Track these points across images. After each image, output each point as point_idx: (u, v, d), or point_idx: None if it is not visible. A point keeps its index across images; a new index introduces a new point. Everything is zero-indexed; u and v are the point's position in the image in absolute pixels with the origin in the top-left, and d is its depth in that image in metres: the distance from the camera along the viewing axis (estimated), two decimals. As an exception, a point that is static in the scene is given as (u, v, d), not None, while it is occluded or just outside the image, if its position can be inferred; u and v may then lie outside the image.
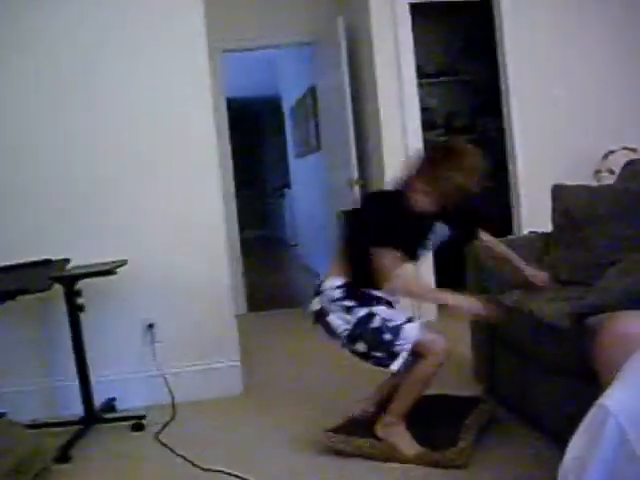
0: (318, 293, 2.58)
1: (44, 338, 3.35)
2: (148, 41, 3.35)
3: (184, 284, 3.40)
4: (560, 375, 2.36)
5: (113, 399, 3.31)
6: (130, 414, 3.13)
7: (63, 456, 2.73)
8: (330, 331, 2.55)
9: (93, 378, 3.13)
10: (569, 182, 3.10)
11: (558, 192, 3.06)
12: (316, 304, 2.58)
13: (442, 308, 4.67)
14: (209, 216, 3.43)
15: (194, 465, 2.56)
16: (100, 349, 3.27)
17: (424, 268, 4.63)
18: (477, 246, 3.03)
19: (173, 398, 3.29)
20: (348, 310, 2.49)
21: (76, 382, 3.08)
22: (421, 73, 5.07)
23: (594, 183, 4.08)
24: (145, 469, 2.63)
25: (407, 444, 2.43)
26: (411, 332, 2.41)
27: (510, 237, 3.73)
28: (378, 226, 2.48)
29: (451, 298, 2.54)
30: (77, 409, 3.09)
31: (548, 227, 3.07)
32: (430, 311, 4.65)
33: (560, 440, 1.33)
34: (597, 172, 4.44)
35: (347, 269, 2.55)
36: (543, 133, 4.57)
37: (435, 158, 2.52)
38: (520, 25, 4.53)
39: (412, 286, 2.59)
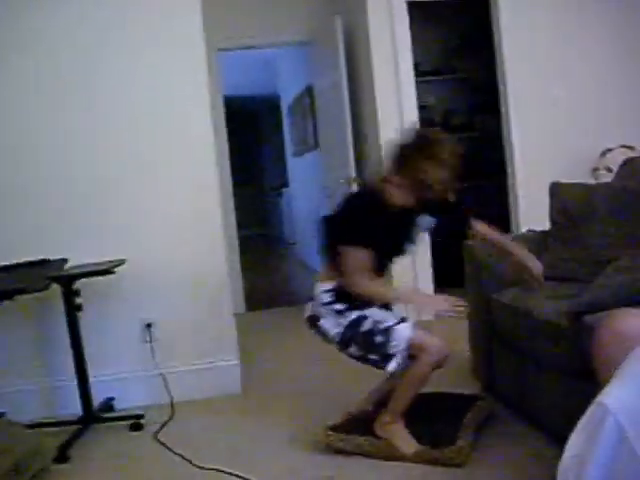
0: (311, 298, 2.59)
1: (42, 338, 3.34)
2: (148, 41, 3.35)
3: (182, 283, 3.40)
4: (558, 373, 2.37)
5: (112, 399, 3.31)
6: (129, 414, 3.13)
7: (62, 456, 2.73)
8: (323, 336, 2.55)
9: (91, 378, 3.13)
10: (567, 180, 3.11)
11: (556, 190, 3.06)
12: (309, 310, 2.59)
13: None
14: (207, 215, 3.43)
15: (193, 464, 2.56)
16: (98, 349, 3.27)
17: (423, 267, 4.65)
18: (475, 244, 3.04)
19: (171, 397, 3.29)
20: (339, 313, 2.49)
21: (74, 382, 3.08)
22: (418, 71, 5.07)
23: (592, 181, 4.08)
24: (144, 468, 2.63)
25: (405, 442, 2.43)
26: (403, 333, 2.40)
27: (508, 235, 3.74)
28: (347, 225, 2.49)
29: (415, 297, 2.52)
30: (76, 409, 3.09)
31: (546, 225, 3.08)
32: (429, 311, 4.65)
33: (559, 438, 1.33)
34: (595, 170, 4.44)
35: (335, 272, 2.53)
36: (541, 131, 4.57)
37: (407, 150, 2.47)
38: (518, 24, 4.54)
39: (372, 285, 2.49)
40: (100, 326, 3.31)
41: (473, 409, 2.61)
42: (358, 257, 2.40)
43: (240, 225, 5.92)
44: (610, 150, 4.39)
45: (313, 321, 2.56)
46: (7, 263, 3.00)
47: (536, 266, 2.62)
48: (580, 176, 3.76)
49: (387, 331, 2.41)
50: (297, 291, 6.55)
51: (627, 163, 3.13)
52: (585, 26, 4.61)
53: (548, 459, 2.06)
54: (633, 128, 4.50)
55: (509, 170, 4.68)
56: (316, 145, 6.39)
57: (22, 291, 2.76)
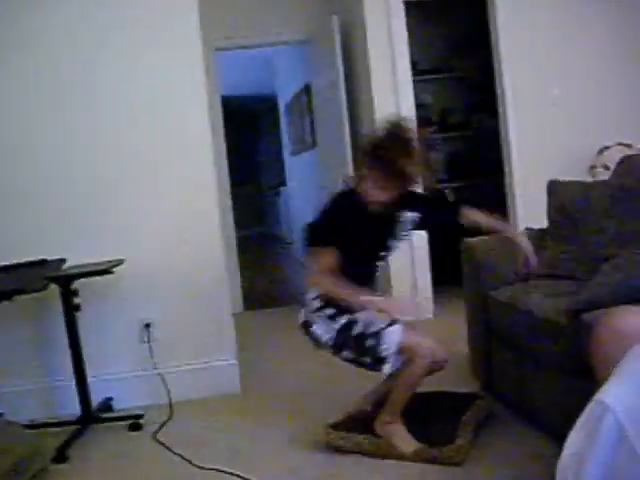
0: (303, 304, 2.59)
1: (41, 338, 3.34)
2: (148, 41, 3.34)
3: (180, 283, 3.40)
4: (557, 371, 2.37)
5: (110, 399, 3.30)
6: (127, 414, 3.13)
7: (61, 456, 2.73)
8: (316, 341, 2.54)
9: (90, 378, 3.13)
10: (564, 178, 3.11)
11: (553, 188, 3.06)
12: (302, 316, 2.59)
13: (438, 307, 4.69)
14: (205, 215, 3.43)
15: (192, 464, 2.56)
16: (97, 349, 3.27)
17: (421, 266, 4.65)
18: (475, 242, 3.04)
19: (170, 397, 3.29)
20: (331, 318, 2.49)
21: (73, 382, 3.08)
22: (416, 70, 5.07)
23: (589, 179, 4.08)
24: (143, 468, 2.63)
25: (404, 441, 2.43)
26: (393, 336, 2.39)
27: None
28: (316, 227, 2.51)
29: (366, 301, 2.49)
30: (74, 409, 3.08)
31: (544, 223, 3.08)
32: (427, 310, 4.66)
33: (558, 436, 1.33)
34: (592, 168, 4.44)
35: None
36: (538, 129, 4.57)
37: (378, 143, 2.45)
38: (515, 23, 4.53)
39: (329, 285, 2.46)
40: (99, 326, 3.31)
41: (472, 408, 2.61)
42: (321, 257, 2.42)
43: (238, 224, 5.92)
44: (607, 148, 4.39)
45: (306, 327, 2.56)
46: (6, 263, 3.00)
47: (525, 244, 2.62)
48: (578, 174, 3.76)
49: (377, 334, 2.40)
50: (295, 290, 6.54)
51: (624, 161, 3.13)
52: (583, 25, 4.61)
53: (547, 457, 2.06)
54: (631, 126, 4.50)
55: (506, 169, 4.68)
56: (314, 144, 6.39)
57: (20, 291, 2.76)
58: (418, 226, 2.64)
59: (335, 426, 2.57)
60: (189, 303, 3.41)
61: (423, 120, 5.46)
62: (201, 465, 2.53)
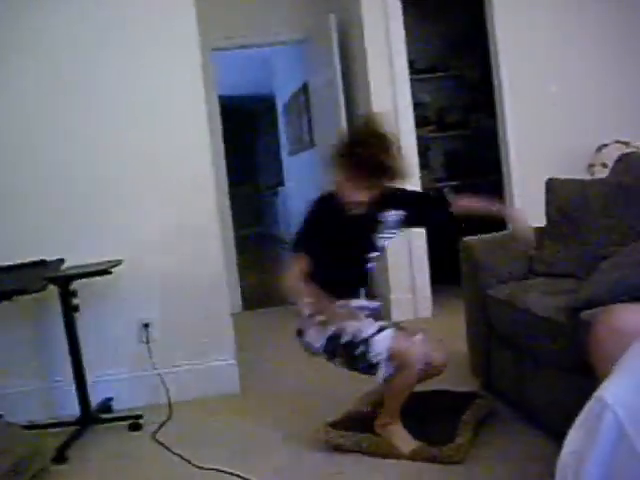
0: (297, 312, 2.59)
1: (40, 339, 3.34)
2: (148, 41, 3.35)
3: (179, 283, 3.40)
4: (556, 369, 2.37)
5: (110, 399, 3.30)
6: (127, 414, 3.13)
7: (60, 456, 2.73)
8: (309, 348, 2.55)
9: (89, 378, 3.13)
10: (562, 176, 3.11)
11: (552, 186, 3.07)
12: (296, 323, 2.59)
13: (437, 306, 4.69)
14: (203, 215, 3.43)
15: (191, 464, 2.56)
16: (96, 349, 3.27)
17: (419, 265, 4.65)
18: (471, 241, 3.04)
19: (169, 397, 3.29)
20: (321, 326, 2.48)
21: (72, 382, 3.08)
22: (413, 69, 5.07)
23: (587, 177, 4.08)
24: (142, 469, 2.63)
25: (403, 441, 2.43)
26: (382, 343, 2.38)
27: (504, 232, 3.74)
28: (298, 233, 2.53)
29: (300, 302, 2.50)
30: (74, 409, 3.09)
31: (542, 221, 3.08)
32: (426, 309, 4.66)
33: (558, 434, 1.33)
34: (590, 166, 4.45)
35: (318, 283, 2.53)
36: (536, 128, 4.57)
37: (350, 142, 2.45)
38: (513, 21, 4.53)
39: (288, 279, 2.48)
40: (98, 327, 3.31)
41: (472, 407, 2.61)
42: (294, 263, 2.43)
43: (236, 224, 5.91)
44: (605, 146, 4.39)
45: (300, 334, 2.57)
46: (4, 264, 3.00)
47: (520, 221, 2.60)
48: (576, 172, 3.75)
49: (366, 342, 2.39)
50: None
51: (622, 159, 3.13)
52: (581, 24, 4.61)
53: (547, 456, 2.05)
54: (629, 124, 4.51)
55: (504, 167, 4.68)
56: (311, 144, 6.39)
57: (19, 292, 2.76)
58: (406, 224, 2.61)
59: (334, 424, 2.57)
60: (188, 303, 3.41)
61: (421, 119, 5.46)
62: (201, 465, 2.53)
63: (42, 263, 3.07)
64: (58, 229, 3.30)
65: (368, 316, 2.54)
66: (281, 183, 10.36)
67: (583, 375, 1.77)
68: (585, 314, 2.11)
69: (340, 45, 4.92)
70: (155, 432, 2.96)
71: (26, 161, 3.32)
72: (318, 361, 2.51)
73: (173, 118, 3.38)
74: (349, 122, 4.94)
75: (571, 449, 1.09)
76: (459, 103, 6.08)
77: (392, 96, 4.56)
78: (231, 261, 5.47)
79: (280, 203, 10.96)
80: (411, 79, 4.66)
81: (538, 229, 3.10)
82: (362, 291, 2.64)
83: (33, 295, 2.90)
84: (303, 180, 7.60)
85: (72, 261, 3.15)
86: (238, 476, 2.40)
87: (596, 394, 1.09)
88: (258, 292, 6.54)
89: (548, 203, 3.05)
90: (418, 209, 2.64)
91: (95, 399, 3.18)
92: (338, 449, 2.52)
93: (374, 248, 2.57)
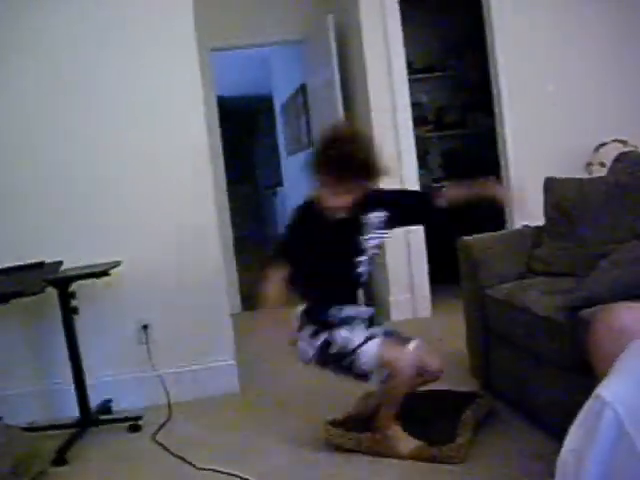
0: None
1: (39, 341, 3.34)
2: (148, 41, 3.35)
3: (178, 284, 3.39)
4: (555, 368, 2.37)
5: (109, 400, 3.30)
6: (126, 415, 3.13)
7: (60, 458, 2.73)
8: (302, 357, 2.54)
9: (89, 380, 3.12)
10: (561, 175, 3.11)
11: (550, 185, 3.07)
12: (289, 333, 2.60)
13: (436, 305, 4.69)
14: (202, 216, 3.43)
15: (192, 465, 2.56)
16: (95, 351, 3.27)
17: (418, 265, 4.65)
18: (470, 241, 3.04)
19: (169, 398, 3.29)
20: (312, 336, 2.49)
21: (72, 384, 3.07)
22: (411, 69, 5.07)
23: (586, 176, 4.08)
24: (142, 470, 2.63)
25: (403, 442, 2.43)
26: (369, 352, 2.37)
27: (503, 231, 3.75)
28: (280, 243, 2.56)
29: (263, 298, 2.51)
30: (73, 411, 3.08)
31: (541, 220, 3.08)
32: (425, 309, 4.66)
33: (557, 433, 1.33)
34: (588, 165, 4.45)
35: (302, 295, 2.56)
36: (534, 127, 4.57)
37: (323, 149, 2.44)
38: (510, 21, 4.53)
39: (266, 295, 2.52)
40: (97, 328, 3.30)
41: (472, 407, 2.61)
42: (273, 270, 2.45)
43: (235, 224, 5.91)
44: (603, 145, 4.40)
45: (294, 343, 2.57)
46: (3, 266, 2.99)
47: (510, 194, 2.59)
48: (574, 171, 3.76)
49: (354, 352, 2.39)
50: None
51: (620, 157, 3.13)
52: (579, 24, 4.61)
53: (547, 455, 2.06)
54: (627, 123, 4.51)
55: (503, 167, 4.68)
56: (310, 144, 6.38)
57: (18, 294, 2.76)
58: (391, 224, 2.56)
59: (335, 424, 2.58)
60: (187, 304, 3.41)
61: (419, 119, 5.47)
62: (200, 466, 2.53)
63: (40, 265, 3.06)
64: (58, 229, 3.30)
65: (363, 322, 2.53)
66: (280, 183, 10.34)
67: (582, 374, 1.77)
68: (584, 313, 2.11)
69: (338, 46, 4.92)
70: (155, 433, 2.95)
71: (26, 161, 3.32)
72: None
73: (173, 118, 3.38)
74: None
75: (571, 447, 1.09)
76: (457, 103, 6.08)
77: (390, 96, 4.57)
78: (230, 261, 5.47)
79: (279, 203, 10.96)
80: (409, 79, 4.66)
81: (537, 228, 3.11)
82: (358, 296, 2.63)
83: (32, 297, 2.90)
84: (302, 180, 7.59)
85: (72, 261, 3.14)
86: (238, 477, 2.40)
87: (595, 392, 1.09)
88: (257, 292, 6.52)
89: (546, 202, 3.05)
90: (402, 208, 2.60)
91: (94, 401, 3.17)
92: (338, 449, 2.53)
93: (361, 252, 2.51)
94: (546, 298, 2.48)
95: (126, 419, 3.08)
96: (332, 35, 4.88)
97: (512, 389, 2.79)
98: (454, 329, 3.38)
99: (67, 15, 3.29)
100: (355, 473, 2.39)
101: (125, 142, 3.35)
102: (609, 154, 3.73)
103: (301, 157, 7.30)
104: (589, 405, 1.09)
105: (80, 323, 3.11)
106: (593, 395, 1.09)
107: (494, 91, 4.65)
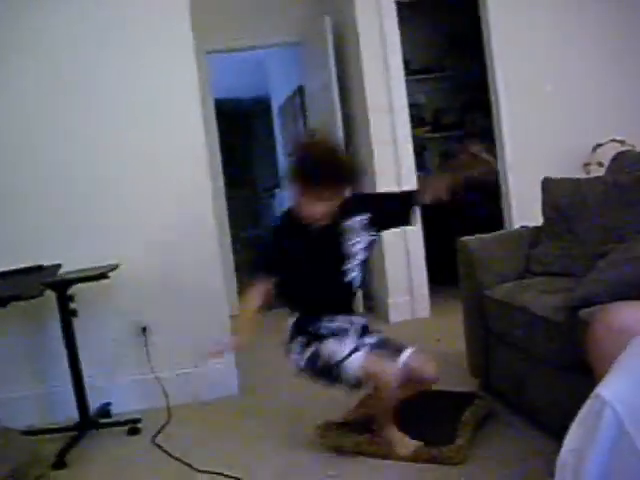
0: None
1: (38, 344, 3.33)
2: (148, 41, 3.35)
3: (176, 286, 3.39)
4: (554, 368, 2.37)
5: (108, 404, 3.30)
6: (126, 418, 3.12)
7: (60, 462, 2.73)
8: (295, 368, 2.54)
9: (87, 383, 3.12)
10: (559, 176, 3.12)
11: (548, 185, 3.07)
12: (283, 345, 2.60)
13: (435, 306, 4.69)
14: (200, 218, 3.43)
15: (191, 467, 2.56)
16: (94, 354, 3.26)
17: (416, 266, 4.65)
18: (468, 241, 3.04)
19: (168, 401, 3.28)
20: (302, 347, 2.49)
21: (71, 387, 3.07)
22: (408, 70, 5.07)
23: (583, 176, 4.09)
24: (142, 473, 2.63)
25: (401, 444, 2.43)
26: (353, 365, 2.37)
27: (501, 232, 3.75)
28: (259, 258, 2.55)
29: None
30: (73, 415, 3.08)
31: (539, 221, 3.08)
32: (424, 310, 4.66)
33: (557, 433, 1.33)
34: (586, 165, 4.46)
35: (295, 305, 2.57)
36: (532, 128, 4.58)
37: (300, 158, 2.44)
38: (507, 21, 4.55)
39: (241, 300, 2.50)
40: (95, 331, 3.30)
41: (471, 407, 2.61)
42: (254, 283, 2.47)
43: (233, 226, 5.91)
44: (601, 145, 4.40)
45: (287, 354, 2.58)
46: (2, 269, 3.00)
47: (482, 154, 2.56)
48: (572, 172, 3.77)
49: (339, 365, 2.39)
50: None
51: (618, 157, 3.14)
52: (576, 24, 4.63)
53: (547, 455, 2.05)
54: (624, 123, 4.52)
55: (500, 167, 4.68)
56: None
57: (16, 298, 2.76)
58: (374, 225, 2.53)
59: (334, 425, 2.58)
60: (186, 306, 3.41)
61: (416, 120, 5.47)
62: (200, 468, 2.53)
63: (39, 268, 3.06)
64: (58, 229, 3.31)
65: (355, 332, 2.52)
66: (278, 185, 10.35)
67: (581, 374, 1.77)
68: (582, 313, 2.11)
69: (335, 47, 4.92)
70: (154, 436, 2.95)
71: (26, 161, 3.32)
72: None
73: (173, 118, 3.39)
74: (344, 124, 4.94)
75: (571, 447, 1.09)
76: (455, 104, 6.09)
77: (387, 97, 4.57)
78: (228, 263, 5.46)
79: (277, 205, 10.95)
80: (406, 80, 4.66)
81: (535, 228, 3.12)
82: (354, 304, 2.62)
83: (31, 301, 2.89)
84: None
85: (71, 260, 3.14)
86: (238, 479, 2.40)
87: (595, 392, 1.09)
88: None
89: (544, 202, 3.06)
90: (385, 209, 2.58)
91: (94, 404, 3.17)
92: (338, 451, 2.52)
93: (348, 258, 2.49)
94: (545, 298, 2.48)
95: (125, 422, 3.08)
96: (329, 37, 4.89)
97: (511, 389, 2.79)
98: (453, 330, 3.38)
99: (67, 15, 3.30)
100: (355, 475, 2.39)
101: (125, 142, 3.36)
102: (607, 154, 3.74)
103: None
104: (589, 404, 1.08)
105: (79, 326, 3.10)
106: (592, 394, 1.09)
107: (491, 91, 4.66)
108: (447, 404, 2.68)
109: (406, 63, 4.73)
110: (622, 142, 4.27)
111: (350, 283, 2.52)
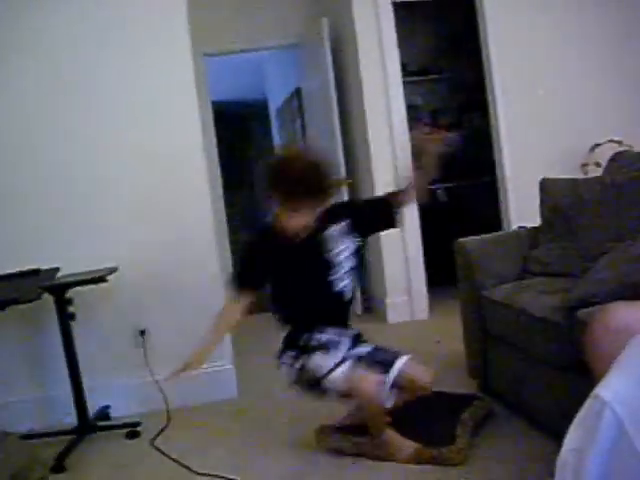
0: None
1: (36, 348, 3.33)
2: (148, 41, 3.35)
3: (175, 289, 3.39)
4: (553, 369, 2.37)
5: (107, 407, 3.29)
6: (125, 421, 3.12)
7: (59, 466, 2.72)
8: (287, 381, 2.54)
9: (86, 387, 3.11)
10: (556, 176, 3.12)
11: (546, 186, 3.07)
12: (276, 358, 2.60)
13: (433, 307, 4.69)
14: (199, 221, 3.42)
15: (191, 470, 2.55)
16: (93, 357, 3.26)
17: (415, 267, 4.65)
18: (466, 242, 3.04)
19: (167, 404, 3.28)
20: (292, 360, 2.49)
21: (69, 391, 3.06)
22: (406, 71, 5.08)
23: (581, 176, 4.09)
24: (141, 476, 2.62)
25: (400, 445, 2.42)
26: (336, 380, 2.36)
27: (499, 233, 3.75)
28: (237, 274, 2.53)
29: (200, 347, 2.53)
30: (71, 418, 3.07)
31: (537, 222, 3.09)
32: (423, 311, 4.66)
33: (556, 434, 1.33)
34: (584, 165, 4.46)
35: (285, 318, 2.57)
36: (529, 128, 4.59)
37: (275, 170, 2.43)
38: (504, 22, 4.55)
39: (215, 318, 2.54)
40: (94, 334, 3.30)
41: (470, 408, 2.61)
42: (229, 299, 2.50)
43: (232, 229, 5.91)
44: (599, 145, 4.41)
45: (279, 367, 2.58)
46: (1, 269, 3.00)
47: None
48: (569, 172, 3.77)
49: (323, 379, 2.38)
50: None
51: (615, 157, 3.14)
52: (573, 25, 4.64)
53: (546, 455, 2.05)
54: (622, 123, 4.52)
55: (498, 168, 4.69)
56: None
57: (14, 301, 2.75)
58: (355, 231, 2.50)
59: (334, 428, 2.58)
60: (184, 309, 3.40)
61: (414, 121, 5.47)
62: (199, 471, 2.52)
63: (37, 272, 3.06)
64: (57, 229, 3.31)
65: (346, 343, 2.50)
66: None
67: (580, 374, 1.77)
68: (581, 313, 2.12)
69: (332, 49, 4.92)
70: (153, 439, 2.95)
71: (26, 161, 3.32)
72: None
73: (173, 118, 3.39)
74: (342, 126, 4.94)
75: (571, 447, 1.09)
76: (453, 105, 6.09)
77: (385, 99, 4.57)
78: (227, 266, 5.45)
79: (275, 206, 10.94)
80: (404, 82, 4.66)
81: (533, 229, 3.12)
82: (344, 314, 2.59)
83: (28, 304, 2.89)
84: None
85: (71, 260, 3.15)
86: (237, 482, 2.40)
87: (595, 392, 1.09)
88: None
89: (542, 203, 3.06)
90: (363, 212, 2.57)
91: (92, 407, 3.17)
92: (339, 453, 2.52)
93: (333, 268, 2.46)
94: (543, 299, 2.48)
95: (124, 425, 3.08)
96: (326, 38, 4.88)
97: (510, 390, 2.79)
98: (451, 331, 3.38)
99: (67, 15, 3.30)
100: (356, 475, 2.39)
101: (125, 142, 3.36)
102: (604, 154, 3.74)
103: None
104: (588, 405, 1.08)
105: (77, 329, 3.10)
106: (592, 395, 1.09)
107: (488, 92, 4.66)
108: (446, 405, 2.67)
109: (403, 65, 4.73)
110: (620, 142, 4.27)
111: (340, 293, 2.49)
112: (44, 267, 3.08)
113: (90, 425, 3.08)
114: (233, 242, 5.93)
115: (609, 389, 1.07)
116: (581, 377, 1.70)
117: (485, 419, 2.66)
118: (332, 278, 2.47)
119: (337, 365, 2.39)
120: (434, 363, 2.97)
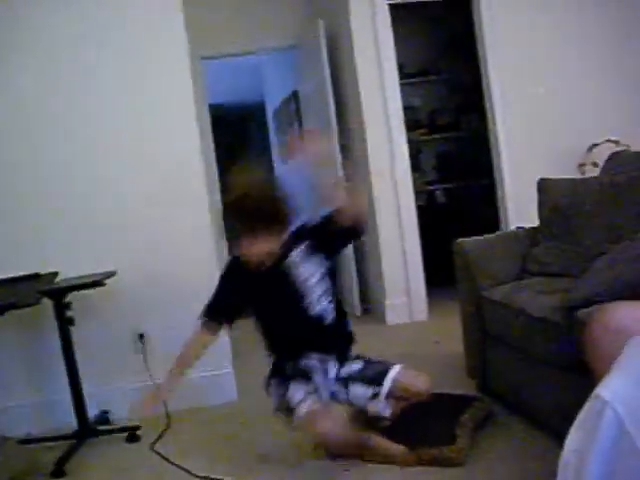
0: None
1: (35, 352, 3.32)
2: (148, 41, 3.35)
3: (173, 293, 3.38)
4: (553, 369, 2.37)
5: (107, 411, 3.29)
6: (124, 425, 3.11)
7: (59, 470, 2.71)
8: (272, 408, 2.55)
9: (86, 391, 3.11)
10: (554, 176, 3.12)
11: (543, 186, 3.08)
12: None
13: (433, 308, 4.69)
14: (197, 225, 3.42)
15: (191, 474, 2.55)
16: (92, 361, 3.25)
17: (414, 267, 4.65)
18: (465, 243, 3.04)
19: (167, 408, 3.27)
20: (277, 386, 2.51)
21: (69, 395, 3.06)
22: (403, 73, 5.08)
23: (579, 176, 4.10)
24: (142, 480, 2.62)
25: (389, 449, 2.42)
26: (300, 413, 2.36)
27: (498, 233, 3.75)
28: (210, 305, 2.55)
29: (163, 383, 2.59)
30: (71, 423, 3.06)
31: (535, 222, 3.09)
32: (422, 312, 4.66)
33: (556, 434, 1.33)
34: (581, 165, 4.47)
35: (269, 347, 2.59)
36: (527, 129, 4.59)
37: (233, 202, 2.44)
38: (501, 23, 4.56)
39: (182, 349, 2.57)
40: (93, 338, 3.29)
41: (470, 409, 2.61)
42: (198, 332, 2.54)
43: (230, 232, 5.89)
44: (596, 145, 4.41)
45: (266, 391, 2.59)
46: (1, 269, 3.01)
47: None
48: (567, 172, 3.77)
49: (293, 410, 2.39)
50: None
51: (613, 157, 3.15)
52: (570, 25, 4.65)
53: (547, 456, 2.06)
54: (619, 123, 4.53)
55: (496, 169, 4.69)
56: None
57: (12, 306, 2.74)
58: (319, 250, 2.47)
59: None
60: (183, 312, 3.38)
61: (412, 122, 5.47)
62: (199, 474, 2.52)
63: (35, 276, 3.06)
64: (57, 229, 3.31)
65: (326, 370, 2.49)
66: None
67: (580, 374, 1.77)
68: (580, 313, 2.11)
69: (329, 51, 4.92)
70: (153, 443, 2.94)
71: (26, 161, 3.32)
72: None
73: (171, 122, 3.39)
74: (340, 127, 4.94)
75: (572, 448, 1.09)
76: (450, 105, 6.10)
77: (382, 101, 4.57)
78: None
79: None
80: (401, 83, 4.66)
81: (531, 229, 3.12)
82: (328, 336, 2.53)
83: (27, 309, 2.88)
84: (294, 187, 7.57)
85: (70, 260, 3.16)
86: (238, 485, 2.40)
87: (595, 392, 1.09)
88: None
89: (540, 203, 3.06)
90: (321, 230, 2.51)
91: (92, 411, 3.16)
92: (339, 455, 2.51)
93: (304, 293, 2.43)
94: (542, 299, 2.48)
95: (124, 429, 3.07)
96: (323, 40, 4.89)
97: (509, 390, 2.78)
98: (451, 331, 3.38)
99: (67, 15, 3.30)
100: (356, 477, 2.38)
101: (125, 142, 3.36)
102: (602, 154, 3.74)
103: (293, 164, 7.30)
104: (589, 405, 1.09)
105: (76, 334, 3.09)
106: (593, 395, 1.09)
107: (485, 93, 4.67)
108: (446, 407, 2.67)
109: (400, 66, 4.73)
110: (617, 142, 4.28)
111: (319, 317, 2.46)
112: (43, 268, 3.09)
113: (90, 429, 3.08)
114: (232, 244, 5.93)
115: (610, 389, 1.07)
116: (581, 377, 1.70)
117: (485, 420, 2.65)
118: (306, 303, 2.44)
119: (308, 395, 2.38)
120: (433, 364, 2.98)
